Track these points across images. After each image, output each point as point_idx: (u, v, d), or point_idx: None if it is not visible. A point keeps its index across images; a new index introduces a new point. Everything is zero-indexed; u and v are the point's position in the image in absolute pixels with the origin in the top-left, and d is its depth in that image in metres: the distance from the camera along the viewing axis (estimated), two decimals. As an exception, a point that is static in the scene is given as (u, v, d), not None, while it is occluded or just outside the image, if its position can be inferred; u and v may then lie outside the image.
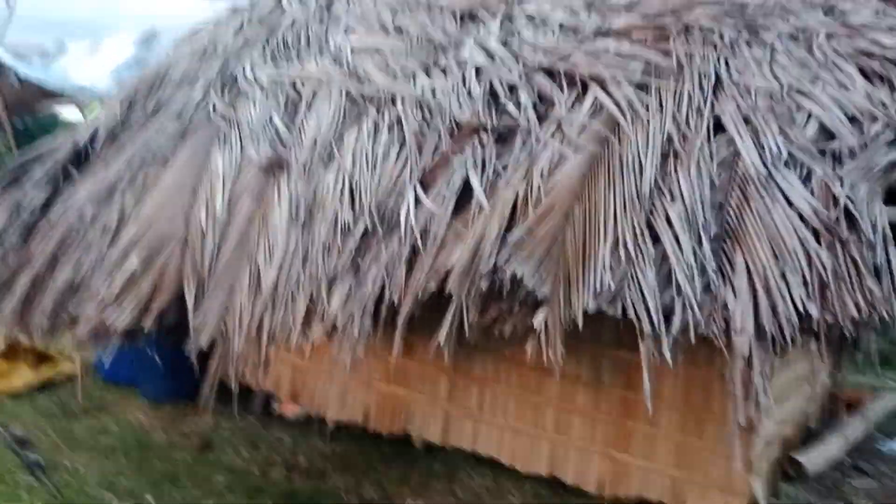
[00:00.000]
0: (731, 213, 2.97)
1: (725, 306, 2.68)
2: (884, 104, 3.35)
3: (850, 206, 2.90)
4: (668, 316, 2.73)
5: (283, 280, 3.58)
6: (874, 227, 2.90)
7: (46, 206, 4.48)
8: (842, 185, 2.98)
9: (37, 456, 4.66)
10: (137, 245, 3.97)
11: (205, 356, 3.67)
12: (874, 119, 3.27)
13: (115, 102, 5.16)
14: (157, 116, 4.92)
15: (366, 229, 3.56)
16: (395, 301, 3.23)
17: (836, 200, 2.93)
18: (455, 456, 4.72)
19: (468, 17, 5.05)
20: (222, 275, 3.75)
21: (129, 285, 3.80)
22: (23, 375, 5.84)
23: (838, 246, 2.78)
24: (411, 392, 4.72)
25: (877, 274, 2.80)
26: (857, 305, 2.62)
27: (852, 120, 3.28)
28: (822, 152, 3.14)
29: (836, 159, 3.13)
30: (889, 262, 2.85)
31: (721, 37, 3.97)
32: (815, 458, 4.64)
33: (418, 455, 4.81)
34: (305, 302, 3.46)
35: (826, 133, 3.26)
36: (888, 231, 2.94)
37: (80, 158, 4.76)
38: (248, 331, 3.46)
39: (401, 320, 3.18)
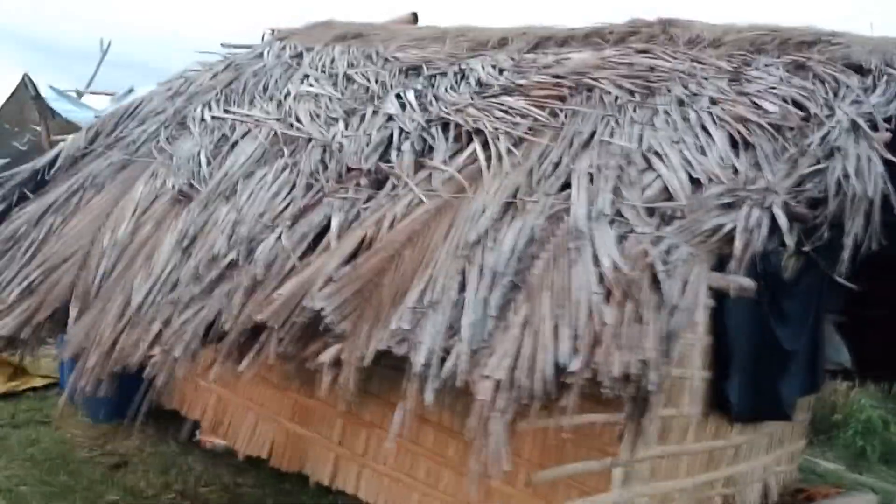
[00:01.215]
0: (539, 265, 2.93)
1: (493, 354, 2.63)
2: (735, 169, 3.26)
3: (658, 267, 2.80)
4: (444, 359, 2.71)
5: (148, 302, 3.72)
6: (683, 289, 2.80)
7: (-1, 223, 4.83)
8: (656, 246, 2.89)
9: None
10: (45, 261, 4.23)
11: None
12: (719, 183, 3.18)
13: (82, 132, 5.55)
14: (113, 147, 5.26)
15: (231, 260, 3.68)
16: (226, 328, 3.31)
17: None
18: (345, 499, 4.67)
19: (411, 71, 5.23)
20: (104, 294, 3.93)
21: (22, 297, 4.03)
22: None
23: (629, 305, 2.70)
24: (310, 431, 4.73)
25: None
26: (624, 365, 2.51)
27: (696, 182, 3.21)
28: (652, 212, 3.07)
29: (665, 220, 3.05)
30: (693, 325, 2.75)
31: (616, 98, 3.98)
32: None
33: (312, 495, 4.79)
34: (160, 324, 3.58)
35: (667, 194, 3.19)
36: (702, 295, 2.83)
37: (37, 182, 5.11)
38: (101, 348, 3.59)
39: (225, 347, 3.25)
